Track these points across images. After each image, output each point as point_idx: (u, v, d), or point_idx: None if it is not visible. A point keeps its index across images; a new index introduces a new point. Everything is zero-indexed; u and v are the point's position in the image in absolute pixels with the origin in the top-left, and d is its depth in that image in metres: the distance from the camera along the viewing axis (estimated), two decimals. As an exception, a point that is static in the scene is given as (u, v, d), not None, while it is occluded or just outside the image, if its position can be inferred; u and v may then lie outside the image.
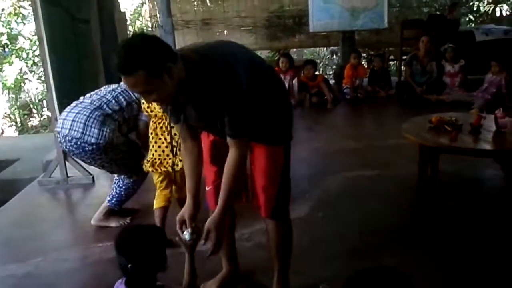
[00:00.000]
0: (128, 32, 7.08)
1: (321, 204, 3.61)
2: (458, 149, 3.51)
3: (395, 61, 9.15)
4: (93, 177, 4.38)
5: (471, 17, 11.01)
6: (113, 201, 3.44)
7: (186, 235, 2.10)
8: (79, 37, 4.52)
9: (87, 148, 3.16)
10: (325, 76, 8.07)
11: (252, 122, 2.03)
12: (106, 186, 4.41)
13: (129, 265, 1.78)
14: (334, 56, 11.30)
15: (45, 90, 6.22)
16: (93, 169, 4.52)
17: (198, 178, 2.25)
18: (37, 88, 9.81)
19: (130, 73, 1.76)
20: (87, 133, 3.12)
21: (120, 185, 3.44)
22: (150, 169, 2.96)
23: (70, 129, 3.15)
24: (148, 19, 9.58)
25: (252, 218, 2.78)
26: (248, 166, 2.25)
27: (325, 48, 11.53)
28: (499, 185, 3.83)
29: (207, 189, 2.37)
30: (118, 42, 5.07)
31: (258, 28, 9.13)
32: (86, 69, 4.62)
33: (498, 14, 10.39)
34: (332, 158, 4.69)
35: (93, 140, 3.12)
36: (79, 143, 3.14)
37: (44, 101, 9.54)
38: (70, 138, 3.16)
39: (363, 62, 7.94)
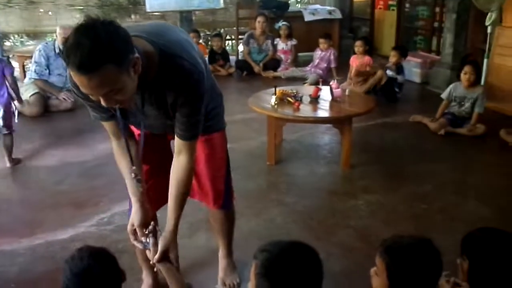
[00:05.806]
0: None
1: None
2: (302, 118, 3.85)
3: (232, 40, 9.46)
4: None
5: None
6: None
7: (145, 243, 1.86)
8: None
9: None
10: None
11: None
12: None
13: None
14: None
15: None
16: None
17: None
18: None
19: (97, 69, 1.39)
20: None
21: None
22: None
23: None
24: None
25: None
26: None
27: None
28: (335, 148, 4.30)
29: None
30: None
31: (90, 8, 8.68)
32: None
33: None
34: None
35: None
36: None
37: None
38: None
39: (200, 41, 8.07)
